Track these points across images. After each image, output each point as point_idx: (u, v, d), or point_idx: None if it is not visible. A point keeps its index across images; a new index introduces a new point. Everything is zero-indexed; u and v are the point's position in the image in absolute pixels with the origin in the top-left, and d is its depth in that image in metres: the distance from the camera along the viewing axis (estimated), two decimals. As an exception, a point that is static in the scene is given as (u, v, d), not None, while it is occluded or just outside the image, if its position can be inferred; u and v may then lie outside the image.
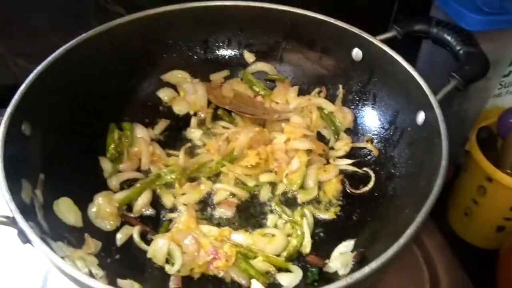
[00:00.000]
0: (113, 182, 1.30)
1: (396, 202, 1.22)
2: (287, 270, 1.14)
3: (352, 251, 1.14)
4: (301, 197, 1.34)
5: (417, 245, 1.43)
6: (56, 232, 1.04)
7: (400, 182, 1.26)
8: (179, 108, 1.55)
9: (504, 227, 1.47)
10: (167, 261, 1.14)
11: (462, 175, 1.60)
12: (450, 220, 1.64)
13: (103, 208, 1.21)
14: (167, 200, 1.31)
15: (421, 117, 1.25)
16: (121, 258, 1.13)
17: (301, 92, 1.58)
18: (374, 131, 1.44)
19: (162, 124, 1.50)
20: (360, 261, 1.08)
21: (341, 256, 1.12)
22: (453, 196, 1.64)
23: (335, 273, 1.10)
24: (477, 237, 1.57)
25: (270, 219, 1.28)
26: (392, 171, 1.31)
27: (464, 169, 1.59)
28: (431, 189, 1.02)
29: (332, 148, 1.47)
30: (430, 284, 1.34)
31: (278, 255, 1.18)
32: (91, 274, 0.99)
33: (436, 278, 1.36)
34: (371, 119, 1.46)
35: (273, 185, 1.37)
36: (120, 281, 1.01)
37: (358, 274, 0.84)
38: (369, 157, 1.41)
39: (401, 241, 0.93)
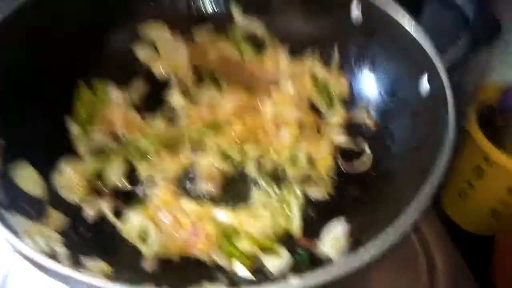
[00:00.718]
0: (81, 147, 1.16)
1: (394, 180, 1.12)
2: (274, 253, 1.04)
3: (346, 234, 1.04)
4: (290, 173, 1.23)
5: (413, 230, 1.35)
6: (14, 203, 0.91)
7: (399, 159, 1.16)
8: (158, 69, 1.39)
9: (500, 211, 1.40)
10: (142, 240, 1.03)
11: (457, 155, 1.51)
12: (443, 204, 1.57)
13: (70, 177, 1.08)
14: (143, 171, 1.19)
15: (425, 84, 1.13)
16: (90, 236, 1.02)
17: (293, 56, 1.44)
18: (371, 101, 1.32)
19: (138, 86, 1.36)
20: (354, 245, 0.99)
21: (333, 239, 1.03)
22: (447, 177, 1.56)
23: (327, 257, 1.01)
24: (472, 221, 1.51)
25: (257, 196, 1.17)
26: (391, 146, 1.21)
27: (459, 148, 1.51)
28: (434, 166, 0.92)
29: (325, 120, 1.35)
30: (428, 271, 1.27)
31: (264, 236, 1.07)
32: (53, 254, 0.87)
33: (433, 265, 1.29)
34: (369, 88, 1.34)
35: (260, 158, 1.25)
36: (85, 261, 0.89)
37: (355, 261, 0.74)
38: (365, 130, 1.30)
39: (400, 225, 0.83)
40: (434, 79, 1.08)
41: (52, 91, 1.17)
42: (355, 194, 1.17)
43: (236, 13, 1.43)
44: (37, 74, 1.15)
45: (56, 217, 0.97)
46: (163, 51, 1.41)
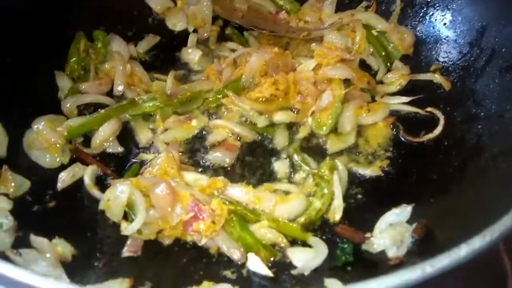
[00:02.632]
0: (68, 105, 0.94)
1: (481, 153, 0.80)
2: (305, 244, 0.74)
3: (409, 223, 0.72)
4: (331, 145, 0.94)
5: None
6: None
7: (487, 126, 0.85)
8: (174, 22, 1.17)
9: None
10: (125, 218, 0.77)
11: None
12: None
13: (43, 135, 0.85)
14: (142, 135, 0.95)
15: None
16: (56, 207, 0.78)
17: (342, 8, 1.15)
18: (445, 57, 1.02)
19: (149, 41, 1.14)
20: (423, 238, 0.66)
21: (391, 229, 0.72)
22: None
23: (382, 253, 0.70)
24: None
25: (285, 171, 0.88)
26: (474, 110, 0.89)
27: None
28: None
29: (381, 82, 1.06)
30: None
31: (292, 221, 0.78)
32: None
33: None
34: (442, 41, 1.03)
35: (292, 127, 0.98)
36: (34, 239, 0.64)
37: (446, 260, 0.42)
38: (437, 93, 0.98)
39: (509, 220, 0.50)
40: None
41: (48, 42, 0.98)
42: (421, 172, 0.84)
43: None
44: (28, 13, 0.95)
45: (14, 180, 0.74)
46: (182, 0, 1.18)
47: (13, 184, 0.73)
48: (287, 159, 0.92)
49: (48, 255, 0.62)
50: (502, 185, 0.65)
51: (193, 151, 0.93)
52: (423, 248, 0.64)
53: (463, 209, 0.69)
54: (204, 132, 0.96)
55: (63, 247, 0.66)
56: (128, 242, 0.74)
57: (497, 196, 0.62)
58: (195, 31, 1.16)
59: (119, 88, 1.01)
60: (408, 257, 0.65)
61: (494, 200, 0.61)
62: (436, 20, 1.04)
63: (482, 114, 0.87)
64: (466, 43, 0.97)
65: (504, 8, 0.89)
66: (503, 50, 0.88)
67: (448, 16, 1.02)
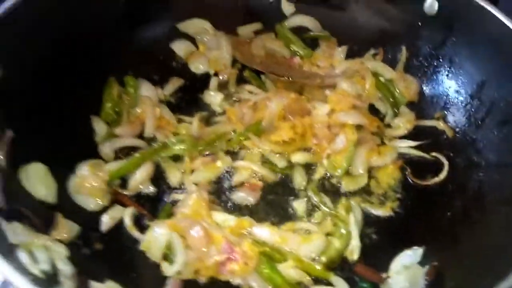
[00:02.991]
0: (106, 149, 1.02)
1: (483, 200, 0.89)
2: (328, 284, 0.83)
3: (420, 264, 0.81)
4: (346, 185, 1.02)
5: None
6: (14, 209, 0.76)
7: (488, 174, 0.93)
8: (196, 66, 1.25)
9: None
10: (165, 258, 0.85)
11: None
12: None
13: (88, 181, 0.93)
14: (173, 176, 1.03)
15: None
16: (103, 249, 0.85)
17: (351, 55, 1.24)
18: (448, 106, 1.11)
19: (174, 83, 1.21)
20: (435, 280, 0.75)
21: (406, 271, 0.81)
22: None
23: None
24: None
25: (304, 211, 0.97)
26: (475, 158, 0.98)
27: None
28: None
29: (389, 126, 1.15)
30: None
31: (314, 260, 0.86)
32: (53, 272, 0.70)
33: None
34: (444, 90, 1.13)
35: (309, 167, 1.07)
36: (93, 284, 0.71)
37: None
38: (440, 140, 1.07)
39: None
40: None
41: (79, 85, 1.05)
42: (428, 214, 0.93)
43: (288, 8, 1.27)
44: (64, 65, 1.03)
45: (66, 226, 0.82)
46: (203, 45, 1.27)
47: (65, 230, 0.81)
48: (305, 198, 1.00)
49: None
50: (501, 232, 0.74)
51: (219, 191, 1.01)
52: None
53: (468, 254, 0.77)
54: (228, 173, 1.05)
55: (115, 289, 0.73)
56: (169, 281, 0.82)
57: (499, 245, 0.71)
58: (215, 74, 1.25)
59: (150, 131, 1.09)
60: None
61: (497, 249, 0.70)
62: (439, 71, 1.13)
63: (483, 163, 0.96)
64: (467, 94, 1.06)
65: (503, 66, 0.98)
66: (501, 104, 0.97)
67: (451, 68, 1.11)
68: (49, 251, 0.73)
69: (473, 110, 1.04)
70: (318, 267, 0.86)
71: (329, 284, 0.83)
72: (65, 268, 0.72)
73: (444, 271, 0.76)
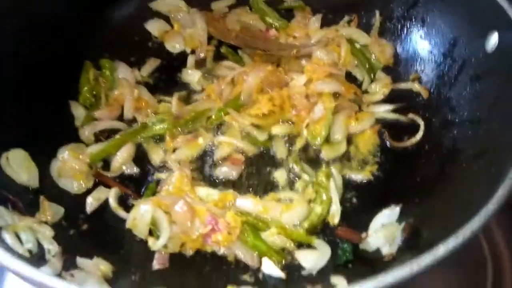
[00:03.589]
0: (86, 133, 1.03)
1: (457, 157, 0.91)
2: (310, 246, 0.86)
3: (398, 222, 0.84)
4: (326, 153, 1.04)
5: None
6: (-1, 194, 0.77)
7: (462, 131, 0.95)
8: (172, 45, 1.25)
9: None
10: (151, 234, 0.87)
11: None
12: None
13: (69, 164, 0.94)
14: (155, 156, 1.04)
15: (493, 40, 0.92)
16: (89, 229, 0.87)
17: (326, 23, 1.25)
18: (422, 67, 1.12)
19: (151, 64, 1.21)
20: (411, 236, 0.78)
21: (383, 229, 0.83)
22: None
23: (377, 251, 0.81)
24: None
25: (286, 180, 0.99)
26: (450, 116, 1.00)
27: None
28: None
29: (366, 92, 1.16)
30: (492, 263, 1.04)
31: (297, 226, 0.89)
32: (39, 251, 0.72)
33: (499, 258, 1.05)
34: (418, 52, 1.13)
35: (290, 138, 1.08)
36: (80, 261, 0.73)
37: (427, 259, 0.54)
38: (416, 101, 1.09)
39: (478, 221, 0.61)
40: (506, 33, 0.87)
41: (55, 71, 1.05)
42: (406, 174, 0.96)
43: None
44: (38, 50, 1.02)
45: (50, 209, 0.83)
46: (178, 24, 1.27)
47: (50, 212, 0.82)
48: (287, 169, 1.02)
49: (94, 274, 0.72)
50: (475, 186, 0.76)
51: (202, 167, 1.02)
52: (411, 245, 0.75)
53: (444, 208, 0.80)
54: (210, 149, 1.06)
55: (104, 266, 0.75)
56: (156, 256, 0.84)
57: (471, 197, 0.73)
58: (192, 52, 1.24)
59: (129, 113, 1.10)
60: (399, 253, 0.77)
61: (469, 200, 0.72)
62: (412, 33, 1.14)
63: (457, 120, 0.97)
64: (440, 54, 1.07)
65: (472, 22, 0.98)
66: (473, 60, 0.98)
67: (423, 29, 1.11)
68: (35, 232, 0.75)
69: (446, 69, 1.05)
70: (300, 232, 0.88)
71: (312, 247, 0.86)
72: (51, 247, 0.73)
73: (420, 227, 0.79)
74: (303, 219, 0.91)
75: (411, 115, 1.06)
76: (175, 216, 0.87)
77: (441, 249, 0.55)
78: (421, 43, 1.13)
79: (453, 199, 0.80)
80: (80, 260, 0.74)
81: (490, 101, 0.90)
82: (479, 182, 0.77)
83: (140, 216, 0.87)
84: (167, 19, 1.26)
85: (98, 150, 0.98)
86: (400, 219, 0.84)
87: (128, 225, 0.88)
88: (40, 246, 0.74)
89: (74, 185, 0.93)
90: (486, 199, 0.61)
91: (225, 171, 1.02)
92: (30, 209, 0.81)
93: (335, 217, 0.91)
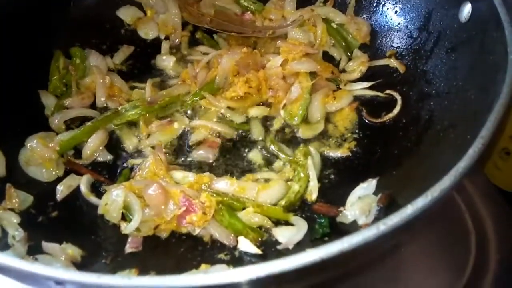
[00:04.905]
0: (56, 121, 1.00)
1: (434, 127, 0.90)
2: (287, 223, 0.84)
3: (375, 194, 0.82)
4: (303, 133, 1.03)
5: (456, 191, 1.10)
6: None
7: (438, 102, 0.94)
8: (146, 31, 1.23)
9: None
10: (124, 218, 0.84)
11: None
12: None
13: (38, 152, 0.91)
14: (129, 142, 1.01)
15: (466, 10, 0.91)
16: (59, 216, 0.85)
17: (302, 4, 1.23)
18: (398, 42, 1.11)
19: (124, 51, 1.19)
20: (388, 206, 0.76)
21: (360, 201, 0.82)
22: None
23: (354, 223, 0.80)
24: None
25: (263, 161, 0.97)
26: (426, 89, 0.99)
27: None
28: (490, 103, 0.68)
29: (343, 71, 1.15)
30: (476, 235, 1.02)
31: (275, 205, 0.87)
32: (2, 237, 0.69)
33: (483, 231, 1.04)
34: (394, 28, 1.13)
35: (267, 120, 1.06)
36: (46, 245, 0.71)
37: (396, 218, 0.52)
38: (393, 77, 1.07)
39: (448, 179, 0.60)
40: (479, 2, 0.86)
41: (23, 60, 1.02)
42: (383, 149, 0.94)
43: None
44: (9, 47, 1.00)
45: (17, 197, 0.81)
46: (151, 10, 1.24)
47: (17, 200, 0.79)
48: (262, 149, 1.00)
49: (60, 257, 0.69)
50: (451, 153, 0.75)
51: (178, 152, 1.00)
52: (388, 214, 0.73)
53: (420, 177, 0.78)
54: (186, 133, 1.04)
55: (72, 250, 0.73)
56: (129, 239, 0.81)
57: (446, 163, 0.71)
58: (167, 38, 1.22)
59: (101, 100, 1.07)
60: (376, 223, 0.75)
61: (444, 166, 0.71)
62: (388, 9, 1.13)
63: (433, 92, 0.96)
64: (416, 28, 1.06)
65: None
66: (448, 32, 0.97)
67: (398, 4, 1.11)
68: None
69: (422, 42, 1.04)
70: (277, 209, 0.86)
71: (289, 224, 0.84)
72: (16, 234, 0.71)
73: (397, 197, 0.77)
74: (281, 197, 0.89)
75: (388, 91, 1.04)
76: (149, 200, 0.85)
77: (409, 209, 0.53)
78: (396, 19, 1.12)
79: (429, 169, 0.78)
80: (45, 245, 0.71)
81: (465, 71, 0.89)
82: (455, 149, 0.75)
83: (112, 201, 0.84)
84: (139, 5, 1.24)
85: (68, 138, 0.96)
86: (377, 191, 0.82)
87: (100, 210, 0.85)
88: (4, 232, 0.71)
89: (43, 173, 0.90)
90: (457, 160, 0.60)
91: (201, 154, 1.00)
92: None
93: (312, 194, 0.89)
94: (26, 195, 0.83)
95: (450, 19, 0.96)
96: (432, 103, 0.95)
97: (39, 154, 0.91)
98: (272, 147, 0.99)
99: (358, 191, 0.84)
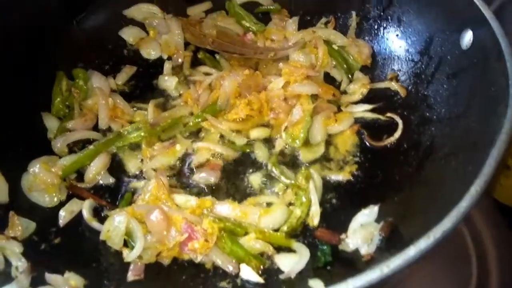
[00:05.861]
0: (58, 144, 1.00)
1: (435, 153, 0.90)
2: (289, 250, 0.84)
3: (377, 222, 0.82)
4: (304, 156, 1.03)
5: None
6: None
7: (439, 128, 0.94)
8: (148, 52, 1.24)
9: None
10: (126, 245, 0.84)
11: None
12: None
13: (40, 177, 0.91)
14: (131, 165, 1.02)
15: (467, 38, 0.92)
16: (61, 243, 0.85)
17: (303, 25, 1.24)
18: (399, 66, 1.12)
19: (126, 72, 1.19)
20: (390, 235, 0.76)
21: (362, 229, 0.82)
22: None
23: (356, 251, 0.80)
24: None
25: (265, 184, 0.97)
26: (428, 114, 0.99)
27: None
28: (492, 135, 0.69)
29: (344, 92, 1.15)
30: (477, 258, 1.03)
31: (276, 230, 0.87)
32: (5, 268, 0.69)
33: (484, 253, 1.04)
34: (395, 51, 1.13)
35: (269, 142, 1.06)
36: (49, 276, 0.71)
37: (399, 260, 0.52)
38: (394, 100, 1.08)
39: (449, 221, 0.60)
40: (480, 30, 0.86)
41: (26, 83, 1.03)
42: (385, 173, 0.94)
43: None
44: (12, 69, 1.00)
45: (20, 224, 0.81)
46: (154, 30, 1.25)
47: (20, 228, 0.79)
48: (264, 172, 1.00)
49: (62, 288, 0.69)
50: (452, 184, 0.75)
51: (180, 174, 1.00)
52: (390, 244, 0.74)
53: (422, 206, 0.78)
54: (188, 155, 1.04)
55: (75, 280, 0.73)
56: (131, 267, 0.81)
57: (448, 194, 0.72)
58: (169, 58, 1.23)
59: (104, 122, 1.07)
60: (378, 253, 0.75)
61: (446, 198, 0.71)
62: (389, 32, 1.14)
63: (434, 117, 0.97)
64: (417, 52, 1.07)
65: (447, 20, 0.98)
66: (449, 57, 0.98)
67: (400, 28, 1.11)
68: (2, 249, 0.72)
69: (423, 67, 1.05)
70: (279, 236, 0.86)
71: (292, 251, 0.84)
72: (20, 264, 0.71)
73: (399, 225, 0.77)
74: (283, 222, 0.89)
75: (389, 114, 1.05)
76: (151, 226, 0.85)
77: (412, 250, 0.54)
78: (397, 42, 1.12)
79: (430, 197, 0.79)
80: (48, 276, 0.71)
81: (466, 98, 0.89)
82: (456, 179, 0.76)
83: (114, 227, 0.84)
84: (142, 26, 1.25)
85: (71, 162, 0.96)
86: (379, 218, 0.83)
87: (102, 236, 0.85)
88: (7, 263, 0.71)
89: (46, 198, 0.90)
90: (459, 198, 0.60)
91: (203, 177, 1.00)
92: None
93: (314, 219, 0.89)
94: (28, 222, 0.83)
95: (451, 45, 0.97)
96: (433, 128, 0.96)
97: (42, 180, 0.91)
98: (274, 170, 1.00)
99: (360, 217, 0.84)
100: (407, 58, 1.10)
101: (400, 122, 1.02)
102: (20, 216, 0.83)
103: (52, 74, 1.10)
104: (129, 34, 1.23)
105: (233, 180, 0.99)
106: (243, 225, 0.87)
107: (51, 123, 1.04)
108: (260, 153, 1.04)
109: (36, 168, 0.92)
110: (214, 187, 0.98)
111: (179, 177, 1.00)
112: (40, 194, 0.91)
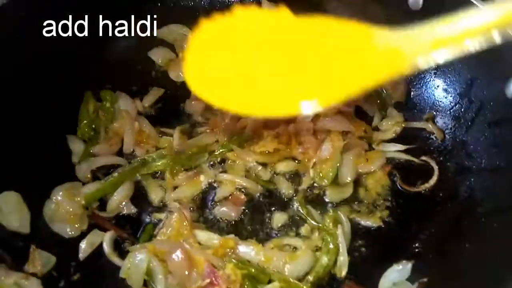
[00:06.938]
0: (83, 170, 0.98)
1: (475, 208, 0.85)
2: (315, 303, 0.80)
3: (409, 280, 0.78)
4: (331, 195, 0.99)
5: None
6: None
7: (479, 180, 0.89)
8: (177, 74, 1.20)
9: None
10: (146, 284, 0.82)
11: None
12: None
13: (63, 207, 0.89)
14: (154, 194, 0.99)
15: (512, 86, 0.86)
16: (81, 279, 0.82)
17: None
18: (437, 106, 1.06)
19: (154, 94, 1.17)
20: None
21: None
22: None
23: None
24: None
25: (290, 224, 0.94)
26: (466, 162, 0.94)
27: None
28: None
29: (377, 129, 1.10)
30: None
31: (301, 279, 0.83)
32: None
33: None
34: (433, 90, 1.08)
35: (295, 177, 1.03)
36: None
37: None
38: (430, 143, 1.03)
39: None
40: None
41: (52, 103, 1.00)
42: (419, 223, 0.90)
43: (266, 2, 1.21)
44: (33, 83, 0.98)
45: (41, 258, 0.79)
46: (183, 51, 1.23)
47: (40, 262, 0.78)
48: (290, 212, 0.96)
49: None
50: (495, 249, 0.70)
51: (202, 207, 0.97)
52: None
53: (461, 269, 0.74)
54: (211, 186, 1.01)
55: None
56: (150, 308, 0.79)
57: (491, 261, 0.67)
58: (197, 81, 1.20)
59: (129, 147, 1.05)
60: None
61: (492, 264, 0.66)
62: (426, 69, 1.09)
63: (474, 167, 0.91)
64: (456, 93, 1.02)
65: (491, 66, 0.92)
66: (491, 103, 0.92)
67: (439, 67, 1.06)
68: (21, 288, 0.70)
69: (462, 110, 1.00)
70: (305, 287, 0.82)
71: (317, 304, 0.80)
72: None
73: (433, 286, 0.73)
74: (308, 270, 0.85)
75: (424, 158, 1.00)
76: (172, 266, 0.82)
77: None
78: (435, 81, 1.07)
79: (470, 260, 0.74)
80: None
81: (509, 152, 0.84)
82: (500, 244, 0.71)
83: (135, 265, 0.82)
84: (172, 47, 1.22)
85: (93, 190, 0.94)
86: (412, 277, 0.78)
87: (122, 274, 0.83)
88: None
89: (67, 229, 0.89)
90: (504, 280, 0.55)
91: (225, 212, 0.97)
92: (19, 258, 0.76)
93: (342, 269, 0.85)
94: (49, 256, 0.81)
95: (495, 91, 0.91)
96: (472, 179, 0.91)
97: (65, 209, 0.89)
98: (300, 210, 0.96)
99: (391, 274, 0.80)
100: (445, 99, 1.05)
101: (436, 168, 0.97)
102: (39, 248, 0.81)
103: (78, 96, 1.08)
104: (158, 55, 1.20)
105: (256, 217, 0.96)
106: (267, 271, 0.84)
107: (76, 146, 1.02)
108: (285, 190, 1.01)
109: (59, 196, 0.90)
110: (237, 223, 0.95)
111: (202, 210, 0.97)
112: (62, 225, 0.89)
